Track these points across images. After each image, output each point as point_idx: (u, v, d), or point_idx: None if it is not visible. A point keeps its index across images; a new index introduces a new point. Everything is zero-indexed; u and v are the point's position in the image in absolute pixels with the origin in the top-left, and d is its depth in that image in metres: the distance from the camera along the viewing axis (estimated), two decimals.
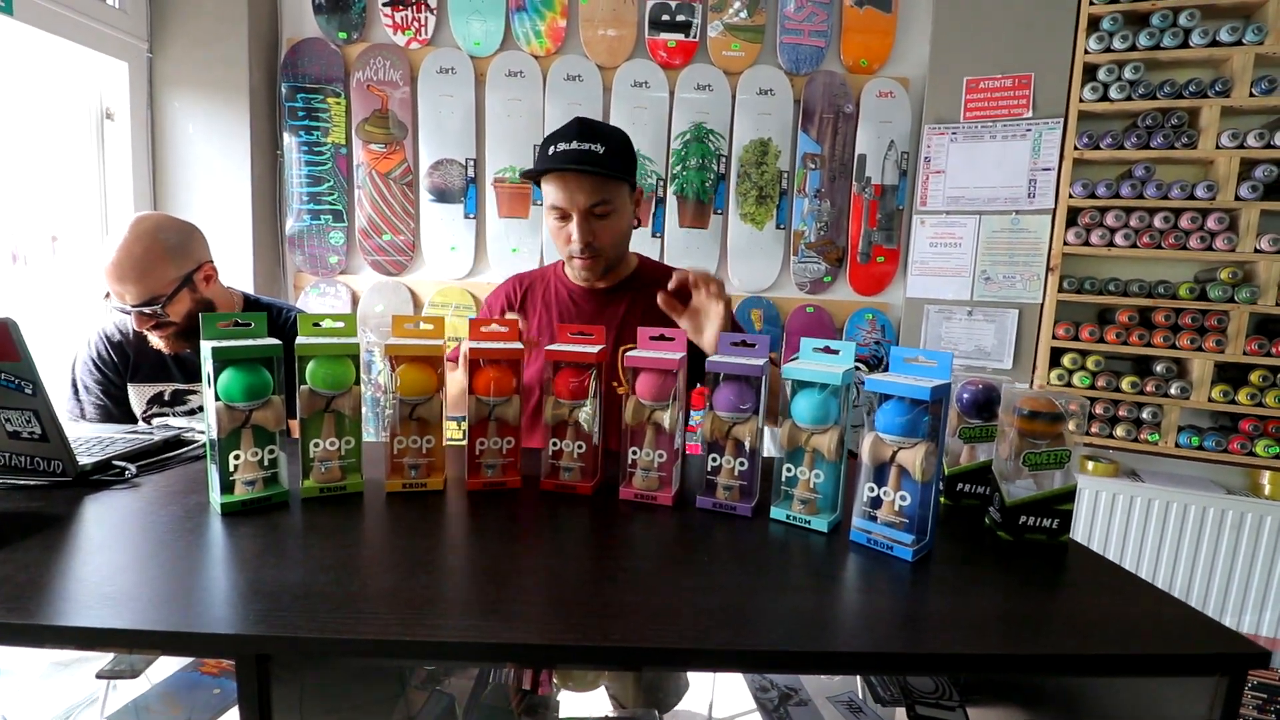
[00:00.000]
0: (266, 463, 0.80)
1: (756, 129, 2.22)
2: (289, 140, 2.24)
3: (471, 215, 2.29)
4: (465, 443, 0.89)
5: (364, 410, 2.32)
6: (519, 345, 0.88)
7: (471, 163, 2.26)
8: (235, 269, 2.16)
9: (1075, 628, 0.60)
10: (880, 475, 0.75)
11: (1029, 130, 2.09)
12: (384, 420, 0.86)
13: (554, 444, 0.89)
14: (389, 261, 2.31)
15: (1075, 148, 2.04)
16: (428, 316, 0.89)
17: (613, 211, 1.16)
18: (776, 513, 0.81)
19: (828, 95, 2.21)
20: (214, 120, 2.13)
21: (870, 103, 2.21)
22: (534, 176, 1.17)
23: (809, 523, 0.79)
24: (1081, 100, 2.04)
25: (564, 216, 1.16)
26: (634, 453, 0.87)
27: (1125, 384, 2.03)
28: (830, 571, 0.69)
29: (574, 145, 1.12)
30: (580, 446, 0.89)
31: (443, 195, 2.27)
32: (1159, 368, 2.04)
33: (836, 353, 0.82)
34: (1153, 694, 0.63)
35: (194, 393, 1.43)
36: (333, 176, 2.26)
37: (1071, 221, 2.08)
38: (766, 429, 0.85)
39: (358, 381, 0.85)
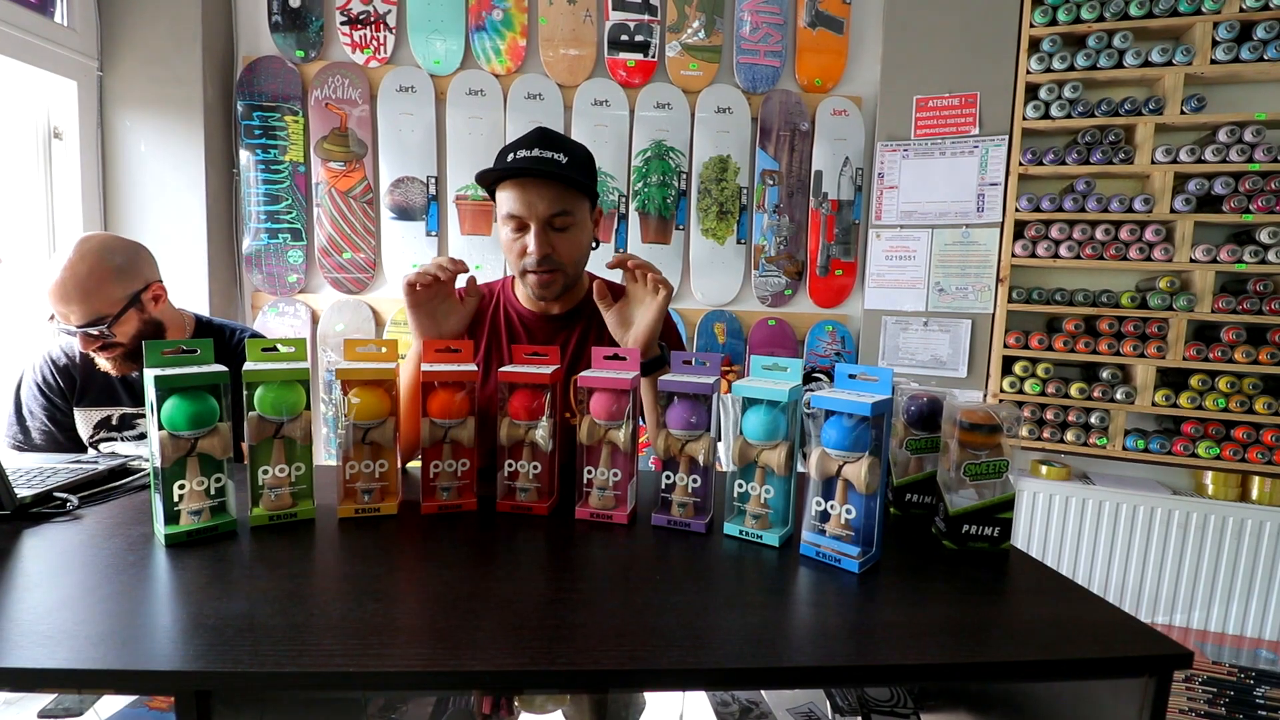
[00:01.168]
0: (213, 491, 0.79)
1: (716, 146, 2.26)
2: (245, 158, 2.21)
3: (434, 232, 2.28)
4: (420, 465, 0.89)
5: (324, 432, 2.28)
6: (473, 367, 0.89)
7: (433, 180, 2.25)
8: (190, 289, 2.12)
9: (1015, 634, 0.62)
10: (828, 489, 0.77)
11: (976, 147, 2.16)
12: (339, 445, 0.85)
13: (509, 465, 0.90)
14: (349, 279, 2.28)
15: (1020, 163, 2.13)
16: (380, 340, 0.89)
17: (573, 225, 1.08)
18: (729, 528, 0.82)
19: (784, 113, 2.27)
20: (167, 138, 2.09)
21: (825, 120, 2.27)
22: (489, 182, 1.09)
23: (761, 537, 0.80)
24: (1025, 118, 2.12)
25: (521, 227, 1.06)
26: (589, 472, 0.88)
27: (1074, 390, 2.10)
28: (781, 586, 0.71)
29: (535, 152, 1.04)
30: (536, 467, 0.89)
31: (404, 213, 2.26)
32: (1105, 374, 2.12)
33: (785, 370, 0.84)
34: (1089, 696, 0.66)
35: (142, 417, 1.40)
36: (291, 195, 2.23)
37: (1019, 234, 2.15)
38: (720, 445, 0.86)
39: (308, 406, 0.84)
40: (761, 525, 0.81)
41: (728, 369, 2.25)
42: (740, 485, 0.83)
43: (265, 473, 0.82)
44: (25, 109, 1.96)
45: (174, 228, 2.10)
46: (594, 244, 1.17)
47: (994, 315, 2.17)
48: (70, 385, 1.37)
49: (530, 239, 1.06)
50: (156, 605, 0.62)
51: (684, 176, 2.28)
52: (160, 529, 0.76)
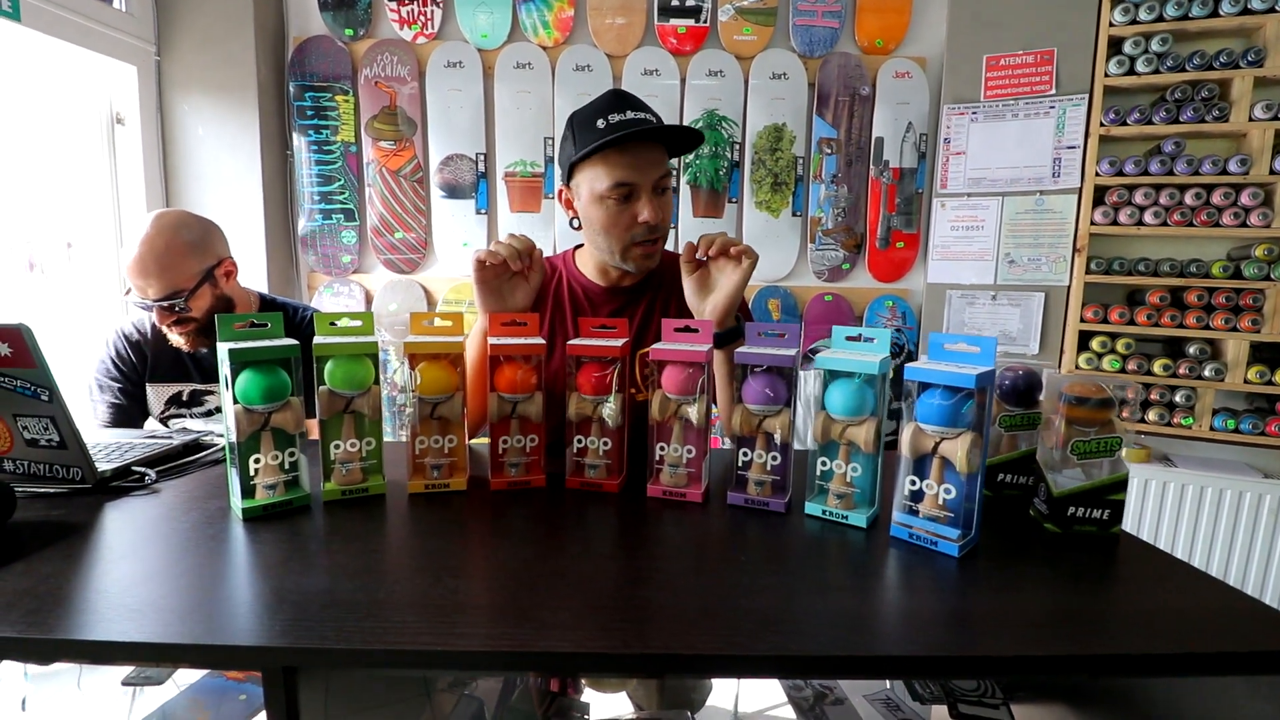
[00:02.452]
0: (287, 466, 0.79)
1: (770, 114, 2.18)
2: (298, 140, 2.23)
3: (483, 210, 2.27)
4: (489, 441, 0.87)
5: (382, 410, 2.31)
6: (540, 341, 0.86)
7: (482, 157, 2.23)
8: (249, 270, 2.16)
9: (1134, 625, 0.56)
10: (921, 467, 0.72)
11: (1052, 108, 2.03)
12: (403, 420, 0.84)
13: (578, 441, 0.87)
14: (401, 259, 2.29)
15: (1101, 124, 1.98)
16: (445, 313, 0.87)
17: (670, 190, 1.06)
18: (811, 508, 0.78)
19: (843, 78, 2.16)
20: (223, 121, 2.12)
21: (887, 84, 2.16)
22: (587, 152, 1.00)
23: (846, 518, 0.76)
24: (1107, 75, 1.97)
25: (629, 195, 1.01)
26: (661, 448, 0.84)
27: (1157, 367, 1.97)
28: (872, 569, 0.66)
29: (630, 115, 0.99)
30: (606, 443, 0.86)
31: (454, 191, 2.25)
32: (1192, 349, 1.98)
33: (871, 340, 0.78)
34: (1219, 693, 0.60)
35: (211, 393, 1.43)
36: (343, 175, 2.24)
37: (1098, 201, 2.02)
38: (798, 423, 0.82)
39: (377, 381, 0.83)
40: (846, 505, 0.77)
41: None
42: (823, 463, 0.78)
43: (336, 447, 0.81)
44: (88, 96, 2.01)
45: (232, 210, 2.14)
46: None
47: (1069, 288, 2.04)
48: (142, 361, 1.40)
49: (643, 206, 1.01)
50: (237, 579, 0.61)
51: (737, 147, 2.21)
52: (237, 503, 0.75)
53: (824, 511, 0.77)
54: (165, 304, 1.24)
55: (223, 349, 0.74)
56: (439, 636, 0.51)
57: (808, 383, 2.08)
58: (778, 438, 0.79)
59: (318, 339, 0.80)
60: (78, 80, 1.97)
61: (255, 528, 0.72)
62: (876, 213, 2.20)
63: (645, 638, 0.52)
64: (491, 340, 0.84)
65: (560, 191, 1.12)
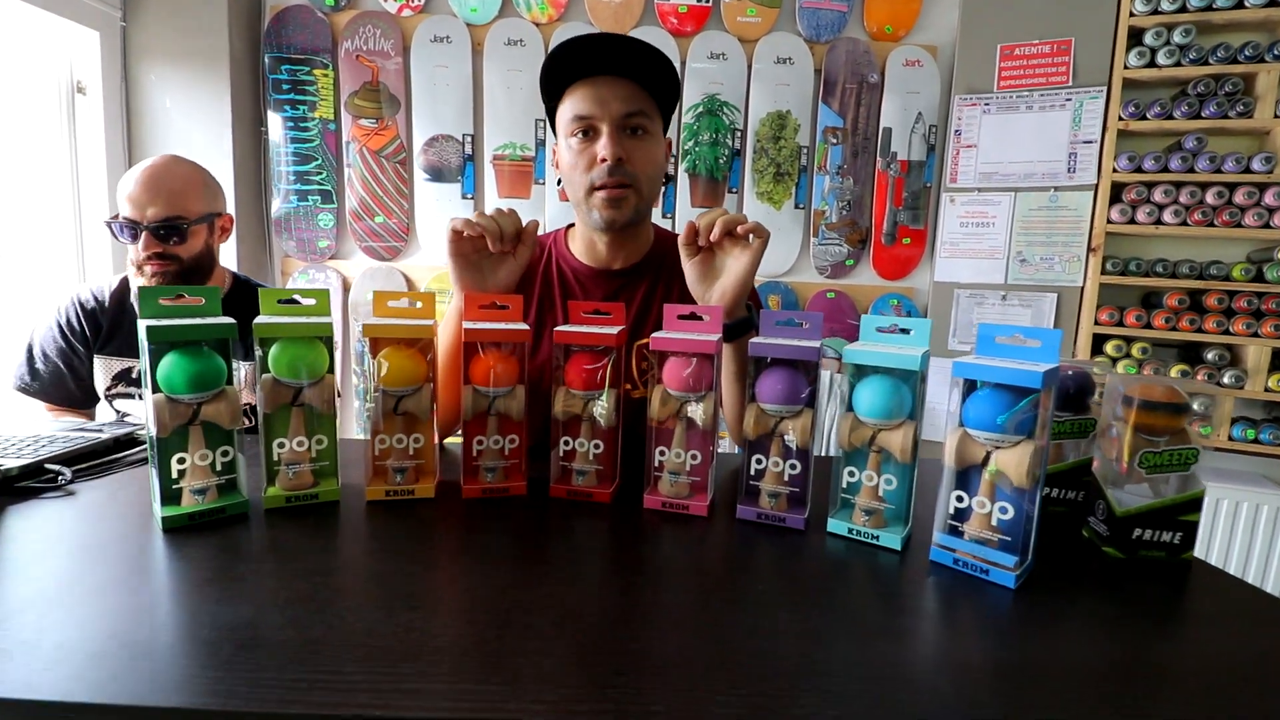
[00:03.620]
0: (220, 467, 0.67)
1: (774, 101, 2.07)
2: (273, 116, 2.09)
3: (470, 195, 2.14)
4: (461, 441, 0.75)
5: (355, 406, 2.18)
6: (523, 327, 0.74)
7: (469, 139, 2.11)
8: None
9: (1235, 677, 0.46)
10: (966, 480, 0.62)
11: (1069, 100, 1.94)
12: (367, 416, 0.72)
13: (565, 443, 0.76)
14: (382, 246, 2.17)
15: (1120, 118, 1.90)
16: (415, 293, 0.75)
17: (649, 133, 0.93)
18: (836, 525, 0.67)
19: (850, 64, 2.06)
20: (193, 93, 1.98)
21: (896, 72, 2.06)
22: (552, 87, 0.95)
23: (876, 538, 0.65)
24: (1126, 67, 1.89)
25: (589, 131, 0.92)
26: (661, 453, 0.73)
27: (1174, 372, 1.89)
28: (913, 604, 0.55)
29: (605, 47, 0.89)
30: (597, 446, 0.75)
31: (438, 174, 2.12)
32: (1210, 355, 1.90)
33: (906, 332, 0.68)
34: None
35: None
36: (321, 154, 2.11)
37: (1115, 198, 1.93)
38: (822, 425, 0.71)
39: (331, 369, 0.71)
40: (876, 523, 0.66)
41: None
42: (850, 474, 0.68)
43: (281, 446, 0.69)
44: (47, 62, 1.87)
45: (232, 217, 2.00)
46: (665, 178, 1.02)
47: (1084, 288, 1.95)
48: (95, 330, 1.29)
49: (602, 143, 0.91)
50: (141, 608, 0.49)
51: (738, 134, 2.10)
52: (157, 510, 0.63)
53: (850, 530, 0.66)
54: (162, 228, 1.18)
55: (142, 326, 0.62)
56: (381, 695, 0.40)
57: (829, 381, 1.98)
58: (795, 442, 0.69)
59: (259, 319, 0.68)
60: (35, 45, 1.83)
61: (177, 541, 0.60)
62: (882, 207, 2.10)
63: (645, 697, 0.41)
64: (467, 325, 0.73)
65: (554, 151, 1.01)
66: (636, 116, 0.92)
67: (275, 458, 0.69)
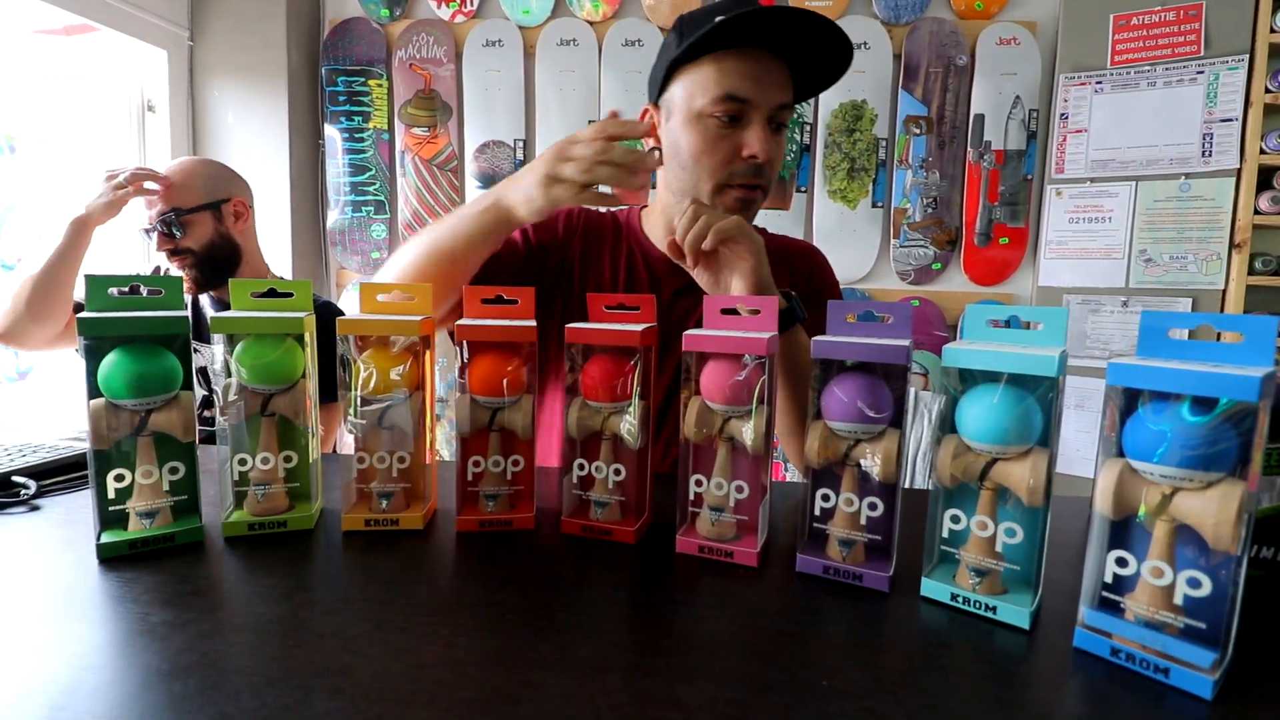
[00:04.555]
0: (170, 485, 0.56)
1: (848, 90, 1.89)
2: (329, 128, 2.09)
3: None
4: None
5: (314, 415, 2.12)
6: (531, 324, 0.61)
7: (521, 144, 2.04)
8: (275, 267, 2.02)
9: None
10: (1127, 535, 0.43)
11: (1201, 73, 1.66)
12: (349, 430, 0.61)
13: (580, 466, 0.61)
14: None
15: (1266, 90, 1.60)
16: (410, 284, 0.64)
17: (786, 126, 0.80)
18: (934, 588, 0.49)
19: (935, 46, 1.86)
20: (254, 108, 2.01)
21: (988, 52, 1.84)
22: (696, 45, 0.74)
23: (994, 610, 0.47)
24: (1273, 30, 1.59)
25: (737, 118, 0.76)
26: (699, 483, 0.58)
27: None
28: (1056, 715, 0.38)
29: (786, 21, 0.72)
30: (618, 471, 0.60)
31: (490, 181, 2.06)
32: None
33: (1035, 326, 0.50)
34: None
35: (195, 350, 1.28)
36: (375, 165, 2.09)
37: (1264, 184, 1.63)
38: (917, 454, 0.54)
39: (305, 374, 0.60)
40: (992, 589, 0.48)
41: None
42: (954, 518, 0.50)
43: (244, 463, 0.59)
44: (120, 82, 1.93)
45: (260, 201, 2.01)
46: None
47: (1225, 291, 1.65)
48: None
49: (754, 135, 0.75)
50: (41, 674, 0.38)
51: (808, 128, 1.93)
52: (94, 535, 0.54)
53: (955, 596, 0.49)
54: (160, 225, 1.22)
55: (81, 319, 0.52)
56: None
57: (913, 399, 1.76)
58: (876, 474, 0.52)
59: (221, 314, 0.57)
60: (109, 65, 1.90)
61: (115, 574, 0.50)
62: (975, 203, 1.87)
63: None
64: (464, 321, 0.60)
65: (645, 112, 0.85)
66: (785, 110, 0.78)
67: (236, 477, 0.59)
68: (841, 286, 1.88)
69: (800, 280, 0.89)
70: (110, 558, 0.53)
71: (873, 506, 0.52)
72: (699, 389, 0.57)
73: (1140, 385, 0.41)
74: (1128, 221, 1.72)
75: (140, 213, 1.29)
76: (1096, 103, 1.75)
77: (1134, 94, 1.72)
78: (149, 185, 1.24)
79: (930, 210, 1.89)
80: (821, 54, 0.77)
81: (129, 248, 1.98)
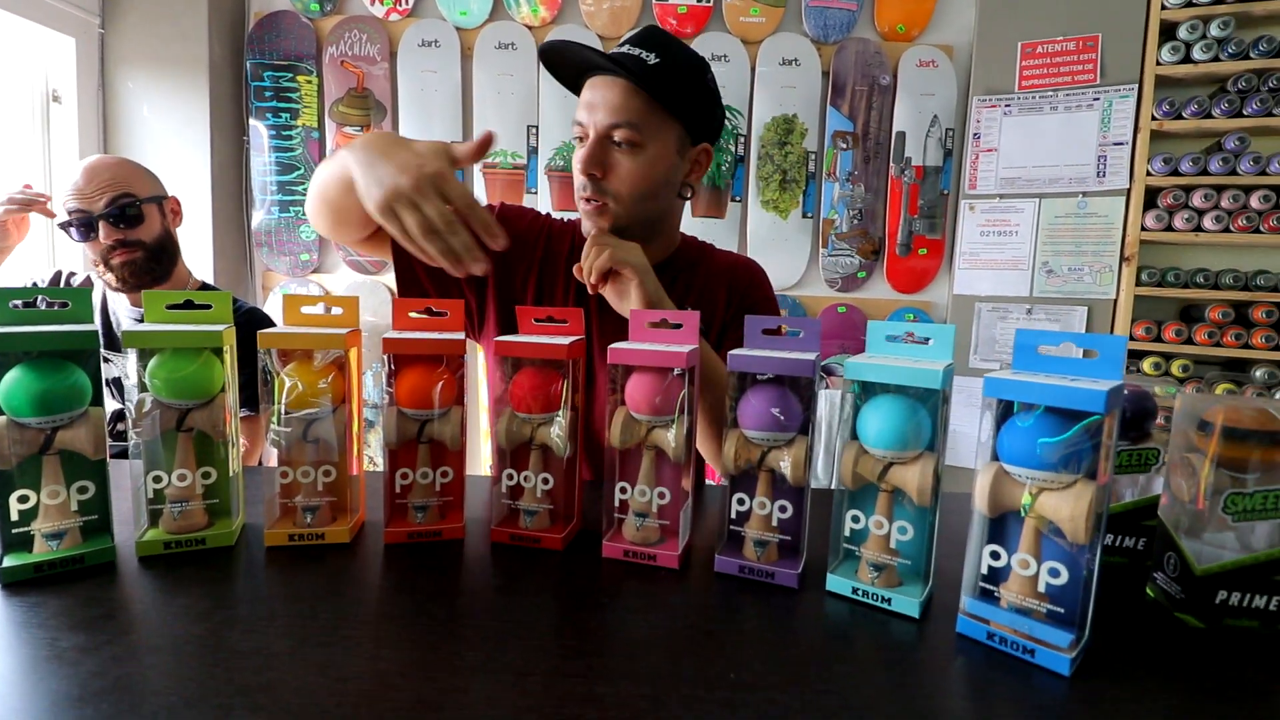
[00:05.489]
0: (78, 505, 0.55)
1: (780, 104, 1.96)
2: (255, 124, 2.02)
3: None
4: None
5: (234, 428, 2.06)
6: (459, 336, 0.62)
7: None
8: (195, 268, 1.93)
9: None
10: (1002, 531, 0.48)
11: (1097, 99, 1.81)
12: (271, 443, 0.60)
13: (509, 476, 0.63)
14: (368, 259, 2.07)
15: (1153, 118, 1.76)
16: (336, 298, 0.63)
17: (641, 146, 0.82)
18: (837, 583, 0.54)
19: (861, 66, 1.95)
20: (172, 102, 1.91)
21: (909, 73, 1.94)
22: (566, 79, 0.88)
23: (889, 601, 0.51)
24: (1159, 63, 1.75)
25: (583, 138, 0.84)
26: (623, 490, 0.60)
27: (1219, 392, 1.72)
28: (938, 692, 0.42)
29: (624, 49, 0.82)
30: (546, 480, 0.62)
31: None
32: (1259, 373, 1.73)
33: (924, 342, 0.55)
34: None
35: (107, 360, 1.21)
36: (304, 163, 2.03)
37: (1150, 203, 1.79)
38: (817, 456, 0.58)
39: (224, 388, 0.59)
40: (888, 581, 0.52)
41: None
42: (855, 518, 0.54)
43: (159, 481, 0.57)
44: (22, 70, 1.80)
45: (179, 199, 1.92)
46: (685, 191, 0.90)
47: (1117, 301, 1.80)
48: None
49: (579, 152, 0.83)
50: None
51: (742, 140, 1.99)
52: None
53: (855, 590, 0.53)
54: (117, 211, 1.16)
55: None
56: None
57: (826, 402, 1.83)
58: (790, 478, 0.55)
59: (134, 326, 0.56)
60: (10, 52, 1.77)
61: (14, 601, 0.48)
62: (897, 215, 1.97)
63: None
64: (393, 334, 0.61)
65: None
66: (623, 129, 0.81)
67: (150, 494, 0.57)
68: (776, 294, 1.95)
69: (739, 291, 0.94)
70: (13, 581, 0.51)
71: (783, 509, 0.56)
72: (624, 399, 0.59)
73: (1011, 396, 0.46)
74: (1032, 235, 1.86)
75: (35, 251, 1.23)
76: (1006, 124, 1.87)
77: (1038, 117, 1.85)
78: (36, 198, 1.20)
79: (856, 221, 1.98)
80: (659, 69, 0.80)
81: (28, 250, 1.85)
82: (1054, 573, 0.45)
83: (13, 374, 0.51)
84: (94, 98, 1.88)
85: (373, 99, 2.00)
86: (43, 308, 0.55)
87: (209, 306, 0.60)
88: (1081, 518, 0.43)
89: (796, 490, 0.56)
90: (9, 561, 0.51)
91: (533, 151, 2.01)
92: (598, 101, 0.81)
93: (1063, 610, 0.45)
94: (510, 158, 2.01)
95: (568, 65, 0.85)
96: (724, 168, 1.99)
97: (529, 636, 0.46)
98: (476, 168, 2.03)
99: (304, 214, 2.04)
